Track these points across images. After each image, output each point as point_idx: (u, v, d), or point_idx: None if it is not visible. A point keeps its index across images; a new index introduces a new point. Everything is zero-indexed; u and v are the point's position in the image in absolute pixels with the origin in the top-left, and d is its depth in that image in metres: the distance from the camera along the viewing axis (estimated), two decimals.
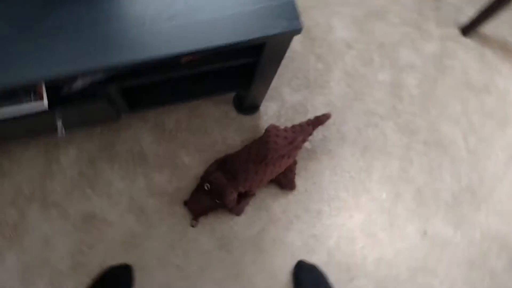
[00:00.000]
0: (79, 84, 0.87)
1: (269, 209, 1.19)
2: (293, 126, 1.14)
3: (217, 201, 1.11)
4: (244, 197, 1.17)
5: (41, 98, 0.84)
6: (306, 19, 1.35)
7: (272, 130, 1.12)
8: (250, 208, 1.19)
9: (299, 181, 1.22)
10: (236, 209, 1.16)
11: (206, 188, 1.11)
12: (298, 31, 0.74)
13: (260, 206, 1.19)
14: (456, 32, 1.38)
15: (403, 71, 1.34)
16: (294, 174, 1.21)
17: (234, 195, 1.08)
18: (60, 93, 0.88)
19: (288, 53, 1.31)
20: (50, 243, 1.12)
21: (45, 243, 1.12)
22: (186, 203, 1.16)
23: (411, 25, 1.38)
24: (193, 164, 1.21)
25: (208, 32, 0.73)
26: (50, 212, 1.14)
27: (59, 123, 0.95)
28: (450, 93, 1.34)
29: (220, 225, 1.17)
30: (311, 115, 1.26)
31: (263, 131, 1.18)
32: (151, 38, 0.71)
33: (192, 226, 1.15)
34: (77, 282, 1.10)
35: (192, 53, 0.72)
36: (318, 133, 1.26)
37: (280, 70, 1.30)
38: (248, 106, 1.25)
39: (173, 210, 1.17)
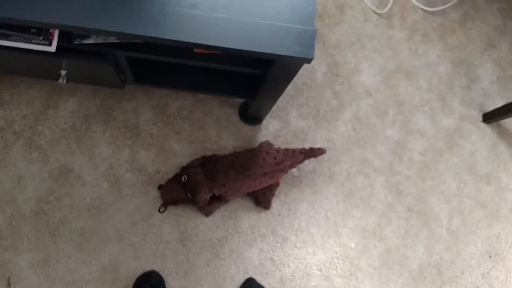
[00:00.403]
0: (90, 40, 0.93)
1: (238, 220, 1.22)
2: (286, 149, 1.17)
3: (189, 196, 1.14)
4: (217, 200, 1.20)
5: (50, 43, 0.91)
6: (337, 55, 1.39)
7: (265, 146, 1.16)
8: (219, 213, 1.23)
9: (275, 203, 1.26)
10: (205, 209, 1.20)
11: (183, 179, 1.15)
12: (308, 60, 0.78)
13: (231, 214, 1.23)
14: (477, 116, 1.41)
15: (412, 134, 1.36)
16: (273, 195, 1.24)
17: (207, 195, 1.12)
18: (71, 42, 0.94)
19: (308, 80, 1.35)
20: (22, 184, 1.17)
21: (17, 181, 1.17)
22: (160, 188, 1.20)
23: (436, 94, 1.40)
24: (180, 153, 1.25)
25: (222, 32, 0.77)
26: (32, 153, 1.19)
27: (63, 71, 0.99)
28: (450, 171, 1.36)
29: (187, 219, 1.20)
30: (308, 145, 1.30)
31: (258, 144, 1.21)
32: (168, 19, 0.76)
33: (160, 211, 1.19)
34: (35, 228, 1.15)
35: (202, 46, 0.77)
36: (309, 164, 1.29)
37: (294, 93, 1.34)
38: (251, 116, 1.29)
39: (146, 190, 1.21)
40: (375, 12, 1.44)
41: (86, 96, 1.26)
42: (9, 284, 1.11)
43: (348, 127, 1.35)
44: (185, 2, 0.78)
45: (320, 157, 1.28)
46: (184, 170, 1.20)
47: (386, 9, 1.44)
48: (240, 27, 0.77)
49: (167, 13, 0.77)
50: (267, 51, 0.77)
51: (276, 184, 1.25)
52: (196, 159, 1.23)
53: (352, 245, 1.27)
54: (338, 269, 1.25)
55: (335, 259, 1.26)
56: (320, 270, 1.24)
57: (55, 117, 1.23)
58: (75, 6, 0.75)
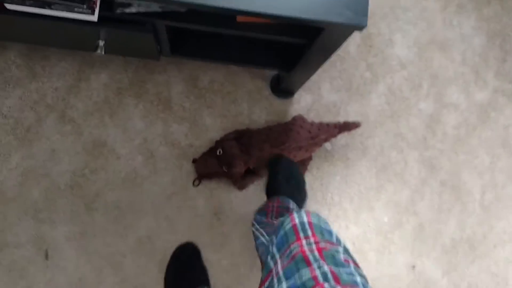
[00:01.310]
0: (132, 9, 0.94)
1: None
2: (320, 123, 1.20)
3: (224, 169, 1.18)
4: (251, 174, 1.23)
5: (93, 12, 0.91)
6: (371, 26, 1.40)
7: (298, 120, 1.18)
8: (252, 186, 1.26)
9: (307, 177, 1.29)
10: (239, 183, 1.23)
11: (218, 153, 1.18)
12: (360, 27, 0.78)
13: (263, 187, 1.26)
14: (511, 90, 1.42)
15: (445, 108, 1.38)
16: (306, 169, 1.28)
17: (242, 168, 1.15)
18: (112, 11, 0.95)
19: (341, 52, 1.36)
20: (57, 156, 1.20)
21: (51, 154, 1.20)
22: (194, 161, 1.24)
23: (471, 67, 1.42)
24: (213, 127, 1.28)
25: None
26: (65, 126, 1.22)
27: (101, 41, 1.01)
28: (483, 145, 1.39)
29: (221, 193, 1.24)
30: (341, 119, 1.32)
31: (290, 118, 1.24)
32: None
33: (194, 185, 1.23)
34: (70, 201, 1.19)
35: (250, 14, 0.77)
36: (342, 139, 1.32)
37: (327, 65, 1.35)
38: (284, 89, 1.31)
39: (180, 163, 1.24)
40: None
41: (118, 68, 1.27)
42: (46, 257, 1.16)
43: (382, 101, 1.38)
44: None
45: (353, 131, 1.31)
46: (219, 144, 1.23)
47: None
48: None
49: None
50: (319, 18, 0.77)
51: (309, 158, 1.28)
52: (230, 133, 1.26)
53: (386, 219, 1.31)
54: (372, 244, 1.29)
55: (368, 233, 1.30)
56: (354, 244, 1.28)
57: (87, 90, 1.25)
58: None
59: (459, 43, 1.43)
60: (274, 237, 0.74)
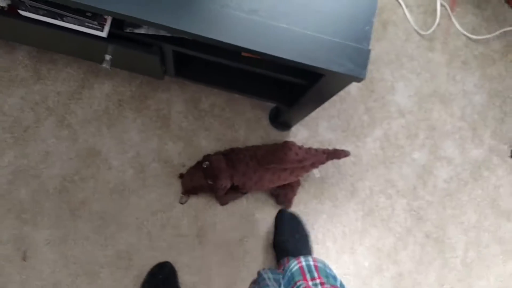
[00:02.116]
0: (142, 30, 1.02)
1: (256, 223, 1.31)
2: (309, 148, 1.26)
3: (210, 182, 1.23)
4: (234, 191, 1.29)
5: (102, 28, 0.99)
6: (374, 71, 1.47)
7: (289, 143, 1.25)
8: (238, 213, 1.31)
9: (297, 211, 1.34)
10: (222, 198, 1.30)
11: (204, 166, 1.24)
12: (359, 79, 0.84)
13: (248, 216, 1.32)
14: (506, 150, 1.49)
15: (439, 160, 1.44)
16: (295, 194, 1.34)
17: (227, 182, 1.21)
18: (122, 30, 1.02)
19: (342, 93, 1.43)
20: (49, 159, 1.26)
21: (45, 157, 1.26)
22: (181, 176, 1.29)
23: (469, 123, 1.49)
24: (207, 149, 1.34)
25: (277, 40, 0.83)
26: (62, 131, 1.28)
27: (108, 56, 1.08)
28: (472, 202, 1.44)
29: (206, 216, 1.29)
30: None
31: None
32: (224, 21, 0.83)
33: (181, 203, 1.28)
34: (56, 205, 1.24)
35: (254, 53, 0.84)
36: (333, 177, 1.38)
37: (327, 104, 1.41)
38: (282, 121, 1.38)
39: (170, 181, 1.29)
40: (418, 32, 1.52)
41: (122, 81, 1.34)
42: (24, 258, 1.20)
43: (377, 145, 1.44)
44: (245, 6, 0.84)
45: (343, 171, 1.37)
46: (206, 157, 1.29)
47: (429, 31, 1.52)
48: (296, 39, 0.84)
49: (225, 15, 0.83)
50: (320, 66, 0.83)
51: (298, 183, 1.33)
52: (219, 151, 1.33)
53: (366, 264, 1.36)
54: (349, 287, 1.33)
55: (347, 276, 1.34)
56: None
57: (89, 98, 1.31)
58: None
59: (460, 98, 1.50)
60: (281, 279, 0.80)
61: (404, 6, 1.52)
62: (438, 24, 1.53)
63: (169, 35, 1.03)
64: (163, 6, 0.83)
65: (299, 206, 1.35)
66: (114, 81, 1.34)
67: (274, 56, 0.84)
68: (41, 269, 1.20)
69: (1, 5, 1.01)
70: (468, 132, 1.49)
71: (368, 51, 0.85)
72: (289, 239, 1.27)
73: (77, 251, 1.22)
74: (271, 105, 1.41)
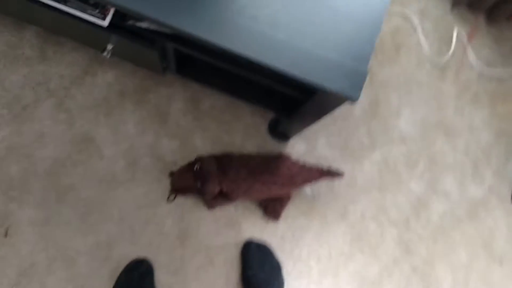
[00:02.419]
0: (143, 24, 1.05)
1: (241, 232, 1.33)
2: (303, 164, 1.27)
3: (198, 185, 1.25)
4: (222, 197, 1.30)
5: (104, 18, 1.03)
6: (382, 93, 1.48)
7: (283, 156, 1.26)
8: (224, 220, 1.33)
9: (281, 225, 1.35)
10: (209, 203, 1.31)
11: (195, 168, 1.26)
12: (352, 99, 0.84)
13: (235, 225, 1.33)
14: (506, 193, 1.49)
15: (436, 194, 1.44)
16: (283, 207, 1.35)
17: (215, 187, 1.23)
18: (124, 21, 1.05)
19: (345, 111, 1.44)
20: (44, 140, 1.29)
21: (40, 137, 1.29)
22: (171, 174, 1.31)
23: (471, 160, 1.48)
24: (201, 149, 1.36)
25: (272, 49, 0.84)
26: (60, 114, 1.31)
27: (110, 45, 1.12)
28: (465, 242, 1.43)
29: (191, 219, 1.31)
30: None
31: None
32: (225, 26, 0.84)
33: (168, 200, 1.30)
34: (43, 187, 1.27)
35: (250, 60, 0.85)
36: (327, 196, 1.38)
37: (328, 120, 1.43)
38: (280, 132, 1.40)
39: (160, 178, 1.31)
40: (430, 60, 1.53)
41: (126, 72, 1.37)
42: (6, 235, 1.23)
43: (374, 169, 1.44)
44: (247, 13, 0.85)
45: (337, 192, 1.38)
46: (198, 159, 1.31)
47: (442, 60, 1.53)
48: (292, 50, 0.85)
49: (226, 19, 0.85)
50: (313, 81, 0.83)
51: (288, 197, 1.34)
52: (213, 154, 1.34)
53: None
54: None
55: None
56: None
57: (91, 85, 1.35)
58: None
59: (466, 133, 1.50)
60: None
61: (420, 30, 1.53)
62: (453, 54, 1.53)
63: (170, 32, 1.05)
64: (166, 3, 0.84)
65: (287, 220, 1.36)
66: (118, 72, 1.37)
67: (268, 65, 0.84)
68: (20, 248, 1.23)
69: None
70: (470, 168, 1.48)
71: (365, 72, 0.85)
72: (258, 272, 1.26)
73: (58, 235, 1.25)
74: (271, 114, 1.42)
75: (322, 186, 1.39)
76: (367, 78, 1.49)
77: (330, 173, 1.31)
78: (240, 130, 1.41)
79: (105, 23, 1.03)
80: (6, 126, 1.29)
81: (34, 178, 1.27)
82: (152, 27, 1.04)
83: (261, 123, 1.42)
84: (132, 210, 1.29)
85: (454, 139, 1.50)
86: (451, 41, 1.54)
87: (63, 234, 1.25)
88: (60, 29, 1.25)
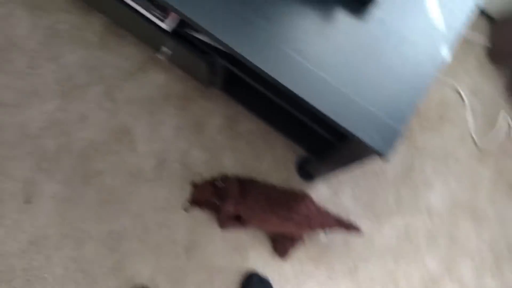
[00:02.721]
0: (199, 35, 1.25)
1: (246, 260, 1.49)
2: (322, 209, 1.42)
3: (216, 202, 1.42)
4: (237, 221, 1.47)
5: (163, 20, 1.24)
6: (417, 160, 1.66)
7: (307, 197, 1.43)
8: (233, 244, 1.49)
9: (287, 264, 1.51)
10: (223, 222, 1.48)
11: (218, 184, 1.44)
12: (381, 155, 0.96)
13: (242, 251, 1.49)
14: None
15: (450, 275, 1.58)
16: (293, 247, 1.49)
17: (231, 208, 1.39)
18: (182, 27, 1.25)
19: (377, 168, 1.63)
20: (85, 123, 1.52)
21: (82, 119, 1.52)
22: (193, 185, 1.49)
23: (494, 251, 1.63)
24: (228, 168, 1.55)
25: (314, 86, 0.97)
26: (106, 102, 1.54)
27: (164, 48, 1.34)
28: None
29: (202, 233, 1.48)
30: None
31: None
32: (272, 53, 0.99)
33: (184, 210, 1.49)
34: (74, 167, 1.47)
35: (289, 92, 0.98)
36: (337, 248, 1.55)
37: (358, 172, 1.62)
38: (307, 171, 1.58)
39: (183, 186, 1.51)
40: (473, 139, 1.70)
41: (176, 78, 1.59)
42: (27, 201, 1.44)
43: (393, 234, 1.59)
44: (296, 46, 1.00)
45: (351, 246, 1.53)
46: (223, 177, 1.48)
47: (485, 143, 1.69)
48: (332, 92, 0.97)
49: (274, 46, 0.99)
50: (347, 126, 0.96)
51: (300, 238, 1.49)
52: (238, 176, 1.53)
53: None
54: None
55: None
56: None
57: (141, 81, 1.57)
58: (206, 5, 1.00)
59: (494, 223, 1.65)
60: None
61: (468, 107, 1.71)
62: (496, 137, 1.70)
63: (224, 49, 1.25)
64: (225, 22, 0.99)
65: (293, 262, 1.51)
66: (169, 76, 1.59)
67: (305, 101, 0.97)
68: (37, 218, 1.42)
69: None
70: (490, 259, 1.63)
71: (399, 132, 0.96)
72: None
73: (75, 215, 1.43)
74: (302, 151, 1.61)
75: (337, 236, 1.55)
76: (405, 142, 1.70)
77: (349, 226, 1.43)
78: (269, 159, 1.60)
79: (164, 25, 1.24)
80: (54, 100, 1.51)
81: (67, 156, 1.48)
82: (207, 39, 1.24)
83: (291, 157, 1.60)
84: (150, 209, 1.48)
85: (480, 226, 1.64)
86: (497, 125, 1.73)
87: (80, 215, 1.43)
88: (124, 22, 1.48)
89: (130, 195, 1.48)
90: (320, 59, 1.01)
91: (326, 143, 1.34)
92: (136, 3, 1.25)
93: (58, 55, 1.57)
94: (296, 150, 1.61)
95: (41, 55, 1.55)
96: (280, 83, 0.98)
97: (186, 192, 1.51)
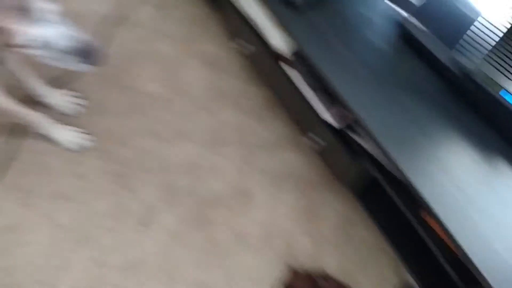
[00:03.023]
0: (359, 139, 1.32)
1: None
2: None
3: None
4: None
5: (336, 120, 1.36)
6: None
7: None
8: None
9: None
10: None
11: (318, 281, 1.47)
12: None
13: None
14: None
15: None
16: None
17: None
18: (344, 126, 1.35)
19: None
20: (215, 173, 1.66)
21: (212, 170, 1.66)
22: (291, 270, 1.51)
23: None
24: (328, 266, 1.57)
25: (484, 255, 0.96)
26: (242, 164, 1.70)
27: (312, 134, 1.48)
28: None
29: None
30: None
31: None
32: (446, 198, 1.02)
33: None
34: (189, 207, 1.59)
35: (438, 223, 1.00)
36: None
37: None
38: None
39: (278, 265, 1.53)
40: None
41: (311, 162, 1.73)
42: (144, 224, 1.53)
43: None
44: (459, 184, 1.05)
45: None
46: (325, 276, 1.50)
47: None
48: (496, 261, 0.95)
49: (440, 185, 1.04)
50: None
51: None
52: (336, 280, 1.53)
53: None
54: None
55: None
56: None
57: (278, 156, 1.73)
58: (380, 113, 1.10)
59: None
60: None
61: None
62: None
63: (379, 161, 1.30)
64: (400, 140, 1.08)
65: None
66: (305, 159, 1.75)
67: (452, 238, 0.97)
68: (146, 242, 1.50)
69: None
70: None
71: None
72: None
73: (178, 252, 1.50)
74: (408, 280, 1.56)
75: None
76: None
77: None
78: (372, 275, 1.57)
79: (334, 122, 1.35)
80: (199, 146, 1.70)
81: (191, 197, 1.60)
82: (366, 146, 1.31)
83: (393, 280, 1.57)
84: (243, 274, 1.51)
85: None
86: None
87: (182, 254, 1.51)
88: (285, 101, 1.66)
89: (229, 254, 1.54)
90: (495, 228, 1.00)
91: (447, 283, 1.28)
92: (315, 96, 1.39)
93: (216, 111, 1.80)
94: (400, 275, 1.57)
95: (202, 106, 1.79)
96: (440, 220, 0.99)
97: (277, 270, 1.53)
